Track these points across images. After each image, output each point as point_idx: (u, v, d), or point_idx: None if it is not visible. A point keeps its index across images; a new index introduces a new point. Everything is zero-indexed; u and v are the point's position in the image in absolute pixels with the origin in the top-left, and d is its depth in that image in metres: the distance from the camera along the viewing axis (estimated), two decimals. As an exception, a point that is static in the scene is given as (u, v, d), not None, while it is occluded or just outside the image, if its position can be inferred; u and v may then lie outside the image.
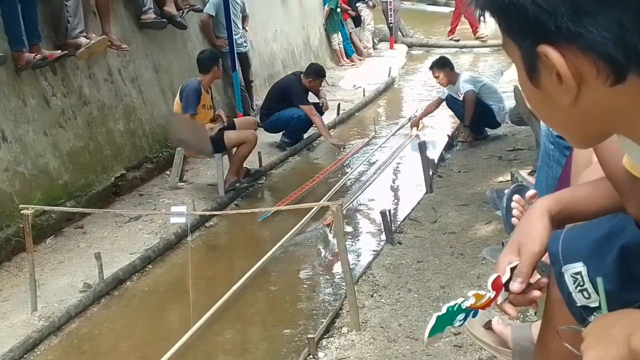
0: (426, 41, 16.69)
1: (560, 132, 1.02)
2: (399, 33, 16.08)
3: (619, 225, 1.36)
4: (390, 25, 15.32)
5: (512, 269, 1.38)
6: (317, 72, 8.40)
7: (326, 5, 13.79)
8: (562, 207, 1.46)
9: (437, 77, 8.13)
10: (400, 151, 8.02)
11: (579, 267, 1.37)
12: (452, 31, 16.00)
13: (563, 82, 0.87)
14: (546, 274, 1.49)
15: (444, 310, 1.39)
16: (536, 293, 1.40)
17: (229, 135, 6.61)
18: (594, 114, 0.90)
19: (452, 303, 1.40)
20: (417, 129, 8.50)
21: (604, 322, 1.16)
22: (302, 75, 8.35)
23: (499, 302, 1.40)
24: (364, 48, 14.62)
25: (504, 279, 1.38)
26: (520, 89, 0.99)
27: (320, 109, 8.33)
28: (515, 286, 1.37)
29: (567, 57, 0.86)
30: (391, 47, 15.25)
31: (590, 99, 0.88)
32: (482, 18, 0.95)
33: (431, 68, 8.25)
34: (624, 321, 1.12)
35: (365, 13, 14.83)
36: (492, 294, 1.39)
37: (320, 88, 8.62)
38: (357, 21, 14.76)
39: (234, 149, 6.73)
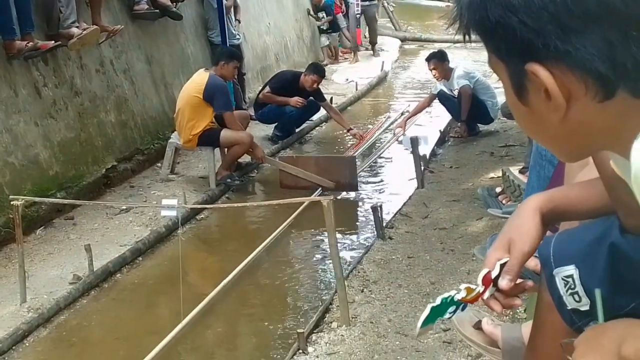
0: (419, 35, 16.69)
1: (548, 147, 1.02)
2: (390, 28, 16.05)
3: (610, 228, 1.37)
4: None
5: (502, 265, 1.39)
6: (315, 69, 8.31)
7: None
8: (554, 206, 1.46)
9: (433, 70, 8.01)
10: (384, 149, 7.98)
11: (571, 270, 1.37)
12: None
13: (552, 100, 0.87)
14: (528, 278, 1.50)
15: (437, 301, 1.41)
16: (517, 302, 1.43)
17: (225, 135, 6.57)
18: (583, 130, 0.90)
19: (445, 295, 1.42)
20: (404, 130, 8.17)
21: (596, 332, 1.17)
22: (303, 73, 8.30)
23: (485, 297, 1.42)
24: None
25: (493, 275, 1.39)
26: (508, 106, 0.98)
27: (315, 103, 8.30)
28: (504, 283, 1.39)
29: (555, 75, 0.85)
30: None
31: (579, 115, 0.88)
32: (466, 37, 0.94)
33: (428, 60, 8.06)
34: (614, 331, 1.13)
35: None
36: (481, 289, 1.40)
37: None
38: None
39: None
